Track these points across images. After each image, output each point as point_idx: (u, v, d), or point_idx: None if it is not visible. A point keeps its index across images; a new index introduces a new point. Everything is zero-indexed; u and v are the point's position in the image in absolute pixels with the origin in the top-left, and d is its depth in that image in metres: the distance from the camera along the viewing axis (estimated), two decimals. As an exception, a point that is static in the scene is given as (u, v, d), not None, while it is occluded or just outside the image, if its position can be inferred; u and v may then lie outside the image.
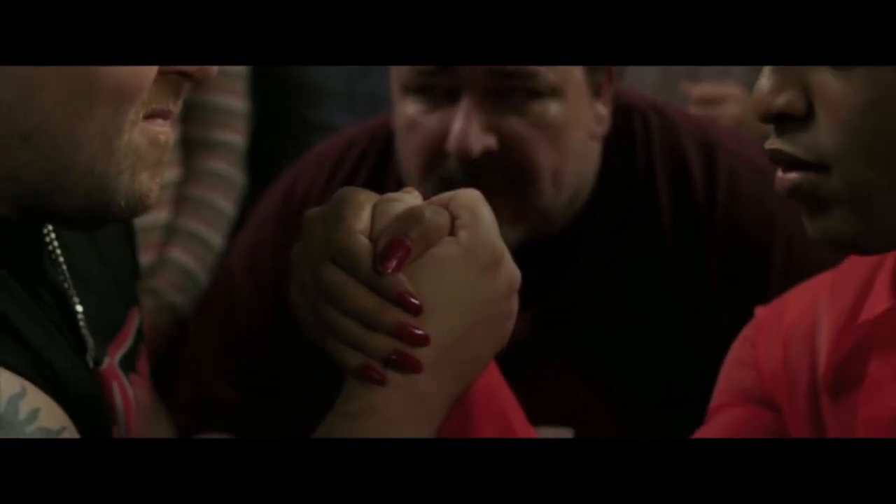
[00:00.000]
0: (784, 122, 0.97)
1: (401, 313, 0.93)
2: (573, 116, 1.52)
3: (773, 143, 0.98)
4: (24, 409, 0.94)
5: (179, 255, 1.95)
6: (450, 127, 1.48)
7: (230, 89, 1.99)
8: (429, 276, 0.95)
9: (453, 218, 0.96)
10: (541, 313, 1.59)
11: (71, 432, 0.96)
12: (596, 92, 1.54)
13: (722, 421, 1.17)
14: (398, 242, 0.93)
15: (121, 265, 1.19)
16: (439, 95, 1.50)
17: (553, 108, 1.49)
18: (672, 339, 1.59)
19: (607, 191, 1.61)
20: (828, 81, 0.94)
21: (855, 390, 1.07)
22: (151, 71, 0.99)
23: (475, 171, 1.46)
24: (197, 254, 1.96)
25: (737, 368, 1.18)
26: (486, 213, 0.97)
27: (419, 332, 0.93)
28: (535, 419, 1.18)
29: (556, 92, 1.49)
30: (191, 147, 1.95)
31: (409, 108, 1.52)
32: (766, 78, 0.97)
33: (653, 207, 1.61)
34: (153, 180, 1.01)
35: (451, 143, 1.47)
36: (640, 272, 1.61)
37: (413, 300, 0.93)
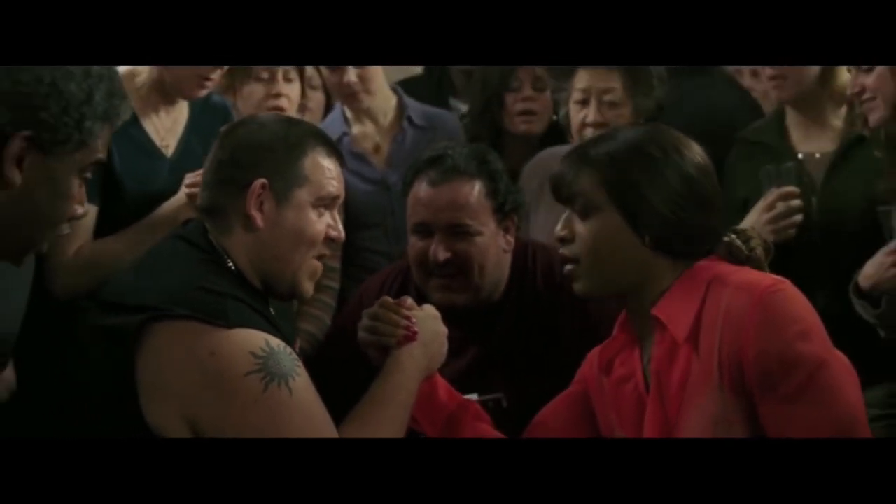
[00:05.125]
0: (564, 243, 2.07)
1: (407, 322, 2.17)
2: (490, 243, 2.70)
3: (560, 252, 2.11)
4: (287, 351, 1.91)
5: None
6: (430, 248, 2.70)
7: (333, 255, 2.98)
8: (416, 319, 2.18)
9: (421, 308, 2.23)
10: (481, 348, 2.72)
11: (305, 373, 1.91)
12: (505, 230, 2.74)
13: (568, 391, 2.25)
14: (402, 301, 2.19)
15: (288, 318, 2.27)
16: (424, 233, 2.71)
17: (479, 239, 2.69)
18: (547, 362, 2.66)
19: (513, 284, 2.76)
20: (578, 225, 2.04)
21: (611, 372, 2.12)
22: (322, 234, 2.02)
23: (441, 267, 2.66)
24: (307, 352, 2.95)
25: (577, 372, 2.26)
26: (432, 307, 2.23)
27: (415, 329, 2.17)
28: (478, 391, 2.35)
29: (480, 233, 2.69)
30: None
31: (412, 239, 2.73)
32: (559, 225, 2.06)
33: (536, 291, 2.75)
34: (311, 286, 2.11)
35: (430, 255, 2.69)
36: (531, 326, 2.73)
37: (411, 318, 2.18)
